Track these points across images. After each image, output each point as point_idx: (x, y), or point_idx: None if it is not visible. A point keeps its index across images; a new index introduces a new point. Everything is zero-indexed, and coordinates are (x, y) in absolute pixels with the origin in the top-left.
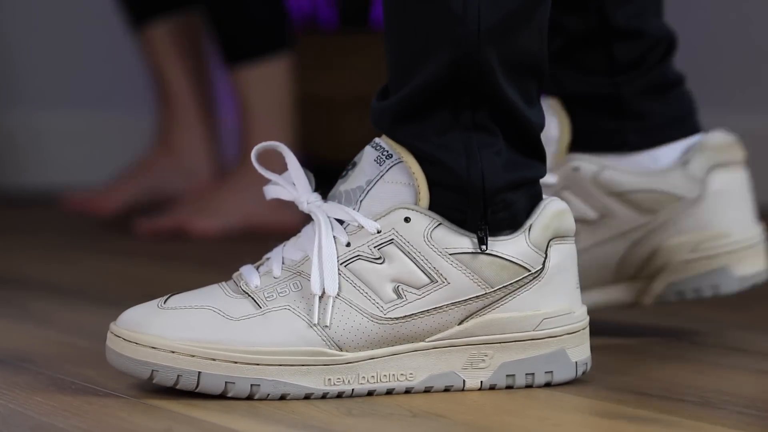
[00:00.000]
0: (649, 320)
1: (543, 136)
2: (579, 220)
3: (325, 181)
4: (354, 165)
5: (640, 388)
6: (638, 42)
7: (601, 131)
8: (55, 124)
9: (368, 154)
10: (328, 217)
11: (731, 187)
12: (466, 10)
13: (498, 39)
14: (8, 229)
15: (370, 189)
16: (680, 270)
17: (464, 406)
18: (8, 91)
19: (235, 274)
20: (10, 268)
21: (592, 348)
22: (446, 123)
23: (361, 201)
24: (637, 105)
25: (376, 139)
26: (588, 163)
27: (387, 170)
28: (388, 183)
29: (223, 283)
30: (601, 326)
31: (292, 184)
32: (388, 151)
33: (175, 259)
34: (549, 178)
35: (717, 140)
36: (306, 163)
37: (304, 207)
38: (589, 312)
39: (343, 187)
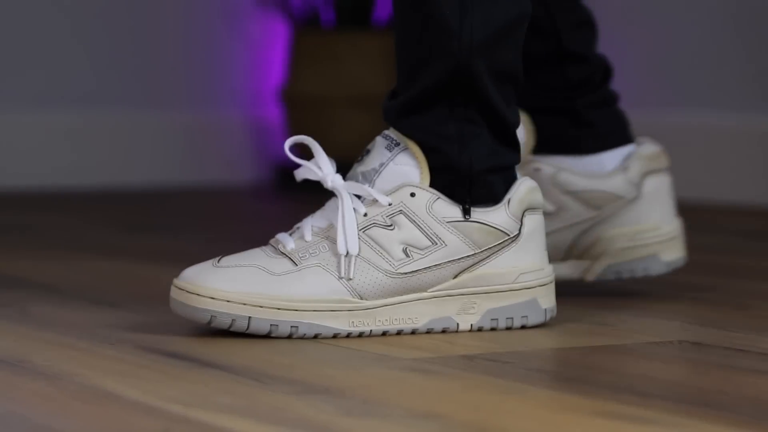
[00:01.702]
0: (649, 320)
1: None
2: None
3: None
4: (368, 152)
5: (641, 388)
6: (585, 65)
7: (560, 137)
8: (54, 124)
9: (379, 143)
10: (349, 193)
11: (660, 189)
12: (462, 27)
13: (486, 51)
14: (7, 230)
15: (382, 170)
16: (619, 255)
17: (464, 406)
18: (5, 90)
19: (272, 240)
20: (9, 269)
21: (594, 348)
22: (443, 117)
23: (375, 180)
24: (588, 116)
25: (386, 131)
26: (547, 166)
27: (396, 155)
28: (397, 165)
29: (263, 247)
30: (601, 326)
31: (318, 168)
32: (396, 141)
33: (174, 259)
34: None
35: (649, 150)
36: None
37: (328, 185)
38: None
39: (359, 169)
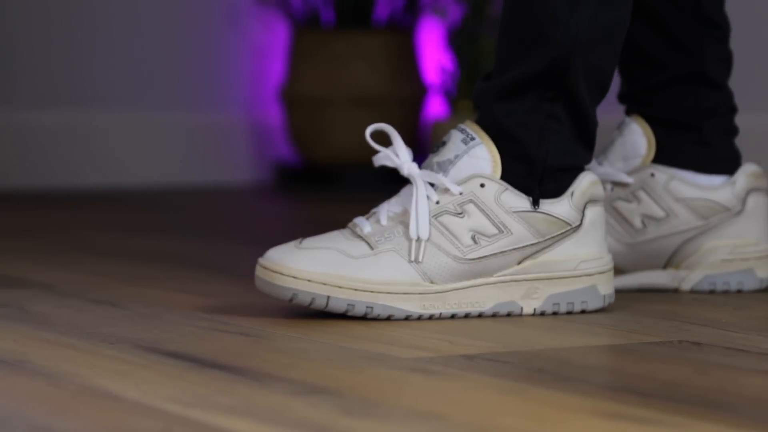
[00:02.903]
0: (649, 320)
1: (633, 150)
2: (647, 216)
3: (320, 180)
4: (444, 143)
5: (642, 388)
6: (717, 94)
7: (679, 150)
8: (53, 124)
9: (455, 135)
10: (423, 181)
11: (761, 206)
12: (570, 19)
13: (587, 49)
14: (6, 230)
15: (457, 162)
16: (718, 267)
17: (464, 406)
18: (6, 90)
19: (350, 224)
20: (9, 269)
21: (595, 349)
22: (530, 108)
23: (449, 170)
24: (710, 138)
25: (461, 125)
26: (661, 172)
27: (471, 149)
28: (471, 158)
29: (342, 230)
30: (601, 326)
31: (396, 155)
32: (471, 135)
33: (174, 259)
34: (627, 179)
35: (753, 169)
36: (300, 162)
37: (405, 172)
38: (637, 291)
39: (435, 159)
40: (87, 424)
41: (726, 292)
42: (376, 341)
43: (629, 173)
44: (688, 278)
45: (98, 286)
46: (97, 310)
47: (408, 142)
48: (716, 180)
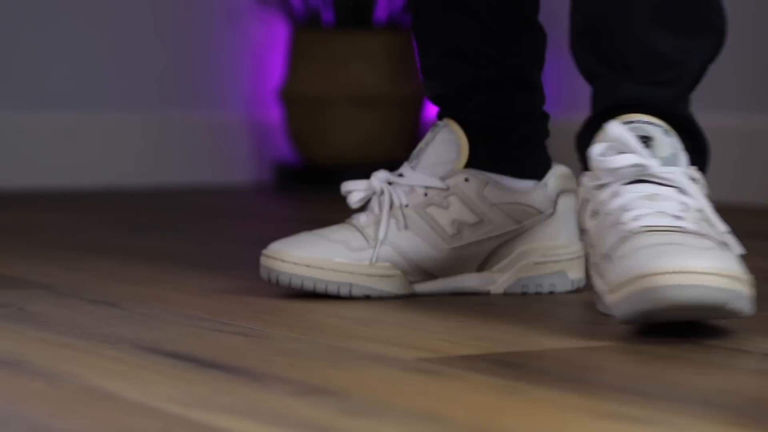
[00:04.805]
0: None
1: (445, 155)
2: (461, 222)
3: (319, 180)
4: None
5: (642, 388)
6: (533, 96)
7: (493, 155)
8: (54, 124)
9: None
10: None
11: (570, 209)
12: (723, 7)
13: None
14: (5, 229)
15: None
16: (530, 269)
17: (464, 406)
18: (5, 90)
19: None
20: (8, 269)
21: (594, 348)
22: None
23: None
24: (526, 142)
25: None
26: (475, 178)
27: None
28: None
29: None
30: (601, 326)
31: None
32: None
33: (174, 259)
34: (440, 183)
35: (562, 170)
36: (300, 161)
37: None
38: (451, 294)
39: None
40: (86, 425)
41: (538, 294)
42: (376, 341)
43: (443, 178)
44: (501, 281)
45: (98, 286)
46: (97, 310)
47: (408, 142)
48: (529, 184)
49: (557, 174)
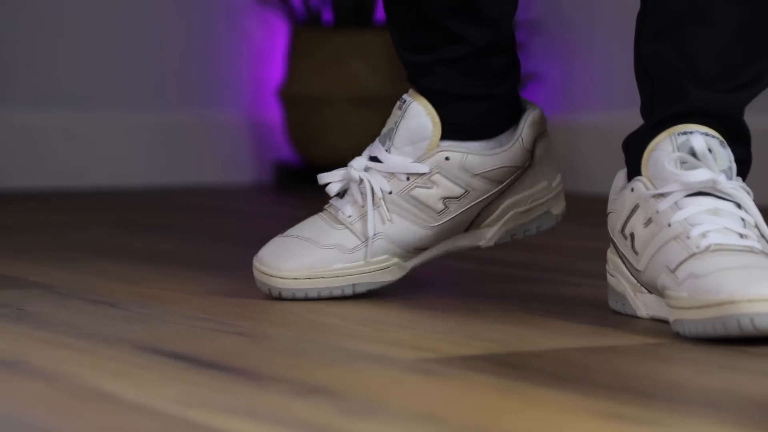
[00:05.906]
0: (650, 321)
1: (419, 133)
2: (448, 198)
3: (317, 180)
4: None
5: (643, 388)
6: (509, 53)
7: (469, 124)
8: (53, 124)
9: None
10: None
11: (545, 151)
12: None
13: None
14: (5, 229)
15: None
16: (517, 219)
17: (464, 406)
18: (5, 90)
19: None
20: (7, 268)
21: (594, 348)
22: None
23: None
24: (502, 102)
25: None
26: (454, 153)
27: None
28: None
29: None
30: (601, 326)
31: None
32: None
33: (174, 259)
34: (422, 168)
35: (534, 116)
36: (299, 161)
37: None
38: (443, 257)
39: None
40: (86, 425)
41: (527, 237)
42: (376, 341)
43: (421, 158)
44: (490, 235)
45: (97, 287)
46: (96, 310)
47: None
48: (504, 139)
49: (530, 122)
